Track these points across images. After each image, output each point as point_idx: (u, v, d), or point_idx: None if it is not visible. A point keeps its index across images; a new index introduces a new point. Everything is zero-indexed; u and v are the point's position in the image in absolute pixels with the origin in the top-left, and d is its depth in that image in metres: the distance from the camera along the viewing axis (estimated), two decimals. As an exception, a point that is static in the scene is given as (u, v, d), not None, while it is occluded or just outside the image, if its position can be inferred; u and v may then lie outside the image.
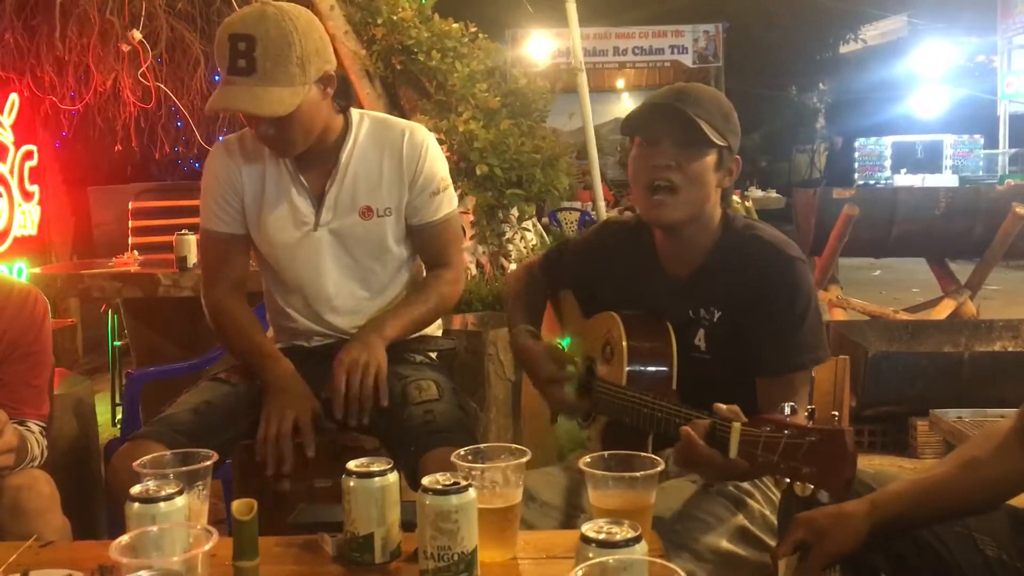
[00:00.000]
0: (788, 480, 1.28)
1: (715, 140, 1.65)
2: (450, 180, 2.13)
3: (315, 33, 1.89)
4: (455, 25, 4.75)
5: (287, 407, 1.92)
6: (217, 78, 1.93)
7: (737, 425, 1.35)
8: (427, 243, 2.13)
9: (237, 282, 2.11)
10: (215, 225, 2.07)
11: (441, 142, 4.21)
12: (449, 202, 2.11)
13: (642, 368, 1.71)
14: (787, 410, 1.31)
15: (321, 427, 1.96)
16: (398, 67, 4.71)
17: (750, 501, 1.70)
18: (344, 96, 2.00)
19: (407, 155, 2.03)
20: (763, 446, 1.30)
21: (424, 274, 2.21)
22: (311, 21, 1.90)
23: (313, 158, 2.02)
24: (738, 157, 1.75)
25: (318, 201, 2.03)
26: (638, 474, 1.29)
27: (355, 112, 2.07)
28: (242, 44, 1.82)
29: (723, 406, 1.41)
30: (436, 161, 2.08)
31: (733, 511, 1.67)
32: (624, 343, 1.72)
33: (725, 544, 1.62)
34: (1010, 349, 4.24)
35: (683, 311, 1.75)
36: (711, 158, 1.67)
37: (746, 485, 1.72)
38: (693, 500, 1.66)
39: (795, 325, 1.66)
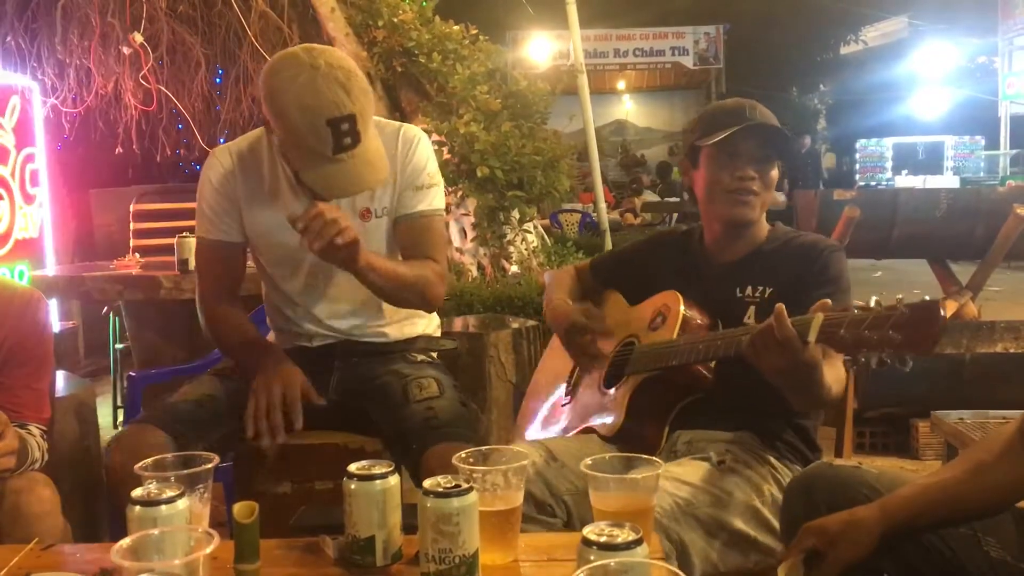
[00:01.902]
0: (866, 356, 1.36)
1: (786, 160, 1.91)
2: (440, 183, 2.09)
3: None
4: (456, 27, 4.76)
5: (274, 381, 1.92)
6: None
7: (819, 315, 1.44)
8: (407, 237, 2.06)
9: (232, 289, 2.12)
10: (211, 234, 2.07)
11: (442, 144, 4.23)
12: (432, 201, 2.06)
13: (695, 322, 1.86)
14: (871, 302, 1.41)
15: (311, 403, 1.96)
16: (399, 69, 4.72)
17: (764, 485, 1.73)
18: None
19: (400, 151, 2.03)
20: (848, 325, 1.39)
21: None
22: (344, 53, 1.91)
23: None
24: None
25: None
26: (639, 476, 1.29)
27: None
28: (345, 125, 1.79)
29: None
30: (424, 157, 2.06)
31: (747, 492, 1.71)
32: (680, 305, 1.88)
33: (739, 524, 1.66)
34: (1012, 350, 4.22)
35: (731, 291, 1.86)
36: (777, 167, 1.89)
37: (762, 469, 1.76)
38: (709, 477, 1.70)
39: (843, 299, 1.74)
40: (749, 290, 1.86)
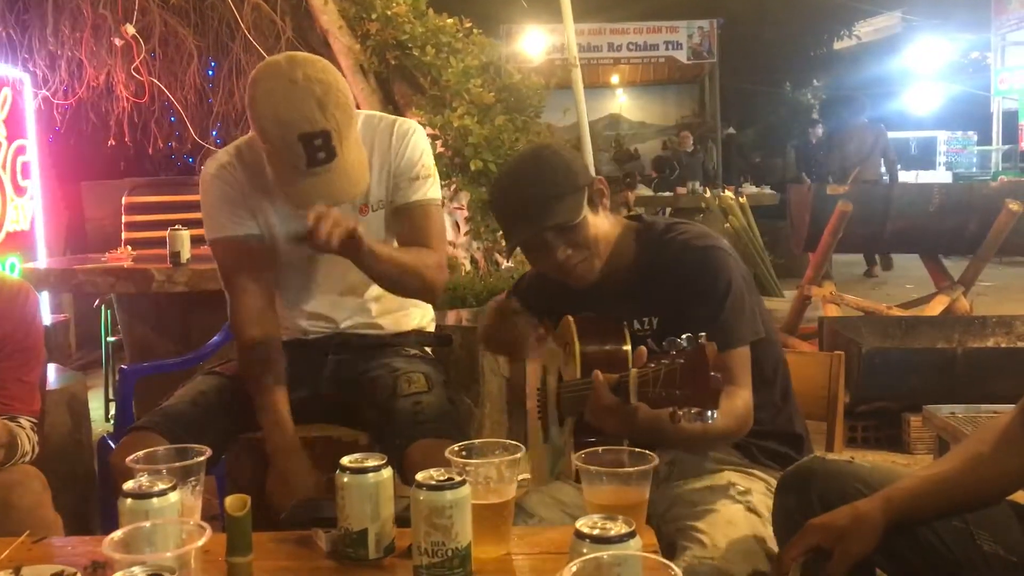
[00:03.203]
0: (674, 410, 1.29)
1: (579, 210, 1.69)
2: (435, 173, 2.09)
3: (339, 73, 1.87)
4: (449, 20, 4.76)
5: (286, 498, 1.82)
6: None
7: (634, 371, 1.39)
8: (404, 227, 2.05)
9: (267, 294, 2.02)
10: (232, 231, 2.00)
11: (435, 138, 4.23)
12: (428, 191, 2.05)
13: (595, 353, 1.71)
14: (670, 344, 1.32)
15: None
16: (392, 62, 4.71)
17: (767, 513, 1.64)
18: None
19: (393, 144, 2.03)
20: (652, 382, 1.34)
21: None
22: (329, 64, 1.87)
23: None
24: (599, 177, 1.79)
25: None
26: (632, 469, 1.29)
27: None
28: (318, 141, 1.77)
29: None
30: (419, 149, 2.05)
31: (768, 529, 1.61)
32: (575, 335, 1.74)
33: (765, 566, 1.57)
34: (1003, 345, 4.24)
35: (622, 326, 1.76)
36: (585, 214, 1.71)
37: (760, 490, 1.68)
38: (752, 527, 1.61)
39: (717, 308, 1.67)
40: (637, 324, 1.76)
